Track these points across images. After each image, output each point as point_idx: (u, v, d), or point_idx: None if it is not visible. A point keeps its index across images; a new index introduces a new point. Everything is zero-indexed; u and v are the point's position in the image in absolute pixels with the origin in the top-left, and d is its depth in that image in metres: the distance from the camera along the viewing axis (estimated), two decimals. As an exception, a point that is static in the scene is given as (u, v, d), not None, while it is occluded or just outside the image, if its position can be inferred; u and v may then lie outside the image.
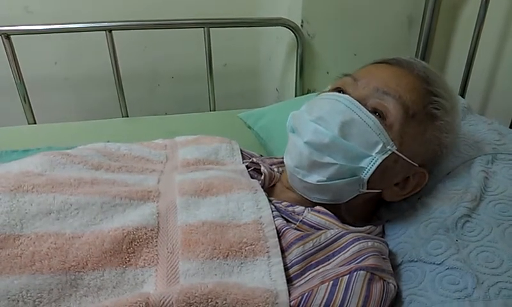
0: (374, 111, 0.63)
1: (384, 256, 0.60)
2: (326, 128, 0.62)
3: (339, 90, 0.69)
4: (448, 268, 0.55)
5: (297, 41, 1.30)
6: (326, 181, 0.63)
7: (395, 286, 0.57)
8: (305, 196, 0.68)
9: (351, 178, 0.63)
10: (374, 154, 0.61)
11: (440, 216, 0.63)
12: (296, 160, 0.66)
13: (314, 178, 0.64)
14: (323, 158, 0.62)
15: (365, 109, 0.62)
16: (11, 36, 1.20)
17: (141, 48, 1.60)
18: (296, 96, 1.39)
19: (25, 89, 1.28)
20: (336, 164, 0.62)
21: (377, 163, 0.61)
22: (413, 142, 0.64)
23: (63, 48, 1.55)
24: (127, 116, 1.37)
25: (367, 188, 0.64)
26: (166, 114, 1.64)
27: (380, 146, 0.61)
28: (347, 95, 0.64)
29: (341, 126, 0.61)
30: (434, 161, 0.70)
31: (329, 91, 0.71)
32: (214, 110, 1.42)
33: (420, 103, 0.65)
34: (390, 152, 0.62)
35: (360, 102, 0.63)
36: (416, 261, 0.60)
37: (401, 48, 1.37)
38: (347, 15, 1.29)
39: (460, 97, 0.97)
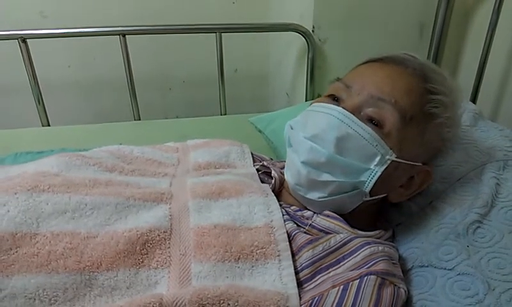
0: (371, 120, 0.61)
1: (394, 261, 0.60)
2: (322, 146, 0.61)
3: (333, 97, 0.67)
4: (459, 274, 0.55)
5: (308, 46, 1.30)
6: (327, 197, 0.63)
7: (405, 291, 0.57)
8: (309, 208, 0.68)
9: (352, 191, 0.63)
10: (372, 167, 0.60)
11: (450, 222, 0.63)
12: (295, 178, 0.66)
13: (315, 195, 0.64)
14: (321, 176, 0.62)
15: (359, 121, 0.60)
16: (27, 40, 1.22)
17: (153, 53, 1.62)
18: (306, 100, 1.39)
19: (39, 91, 1.30)
20: (336, 181, 0.61)
21: (377, 175, 0.60)
22: (412, 145, 0.63)
23: (76, 52, 1.57)
24: (139, 119, 1.39)
25: (371, 196, 0.64)
26: (177, 117, 1.66)
27: (378, 158, 0.60)
28: (340, 108, 0.62)
29: (336, 143, 0.60)
30: (438, 155, 0.70)
31: (323, 97, 0.69)
32: (225, 114, 1.43)
33: (418, 104, 0.62)
34: (389, 162, 0.60)
35: (354, 111, 0.61)
36: (427, 266, 0.60)
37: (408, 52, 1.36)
38: (358, 20, 1.29)
39: (471, 103, 0.97)
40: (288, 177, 0.68)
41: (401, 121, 0.61)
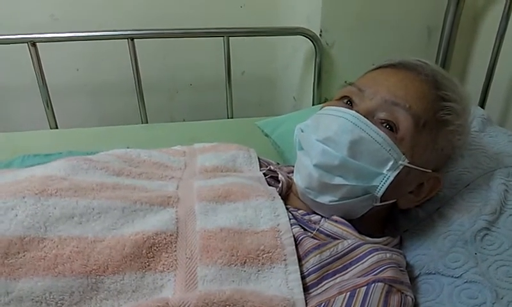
0: (384, 123, 0.61)
1: (402, 268, 0.59)
2: (335, 149, 0.60)
3: (347, 100, 0.67)
4: (466, 282, 0.55)
5: (316, 50, 1.30)
6: (338, 201, 0.63)
7: (412, 299, 0.56)
8: (318, 212, 0.68)
9: (363, 196, 0.62)
10: (385, 171, 0.60)
11: (458, 229, 0.63)
12: (306, 181, 0.65)
13: (326, 199, 0.64)
14: (334, 180, 0.61)
15: (373, 126, 0.60)
16: (37, 44, 1.24)
17: (160, 56, 1.63)
18: (313, 104, 1.39)
19: (48, 94, 1.32)
20: (348, 184, 0.61)
21: (390, 180, 0.60)
22: (424, 151, 0.63)
23: (85, 56, 1.58)
24: (146, 122, 1.39)
25: (381, 202, 0.63)
26: (184, 120, 1.67)
27: (391, 162, 0.60)
28: (353, 111, 0.62)
29: (350, 146, 0.60)
30: (448, 162, 0.70)
31: (335, 100, 0.69)
32: (232, 117, 1.44)
33: (431, 110, 0.62)
34: (401, 167, 0.60)
35: (368, 115, 0.61)
36: (434, 273, 0.59)
37: (420, 58, 1.36)
38: (366, 24, 1.29)
39: (480, 108, 0.96)
40: (298, 180, 0.68)
41: (415, 126, 0.61)
